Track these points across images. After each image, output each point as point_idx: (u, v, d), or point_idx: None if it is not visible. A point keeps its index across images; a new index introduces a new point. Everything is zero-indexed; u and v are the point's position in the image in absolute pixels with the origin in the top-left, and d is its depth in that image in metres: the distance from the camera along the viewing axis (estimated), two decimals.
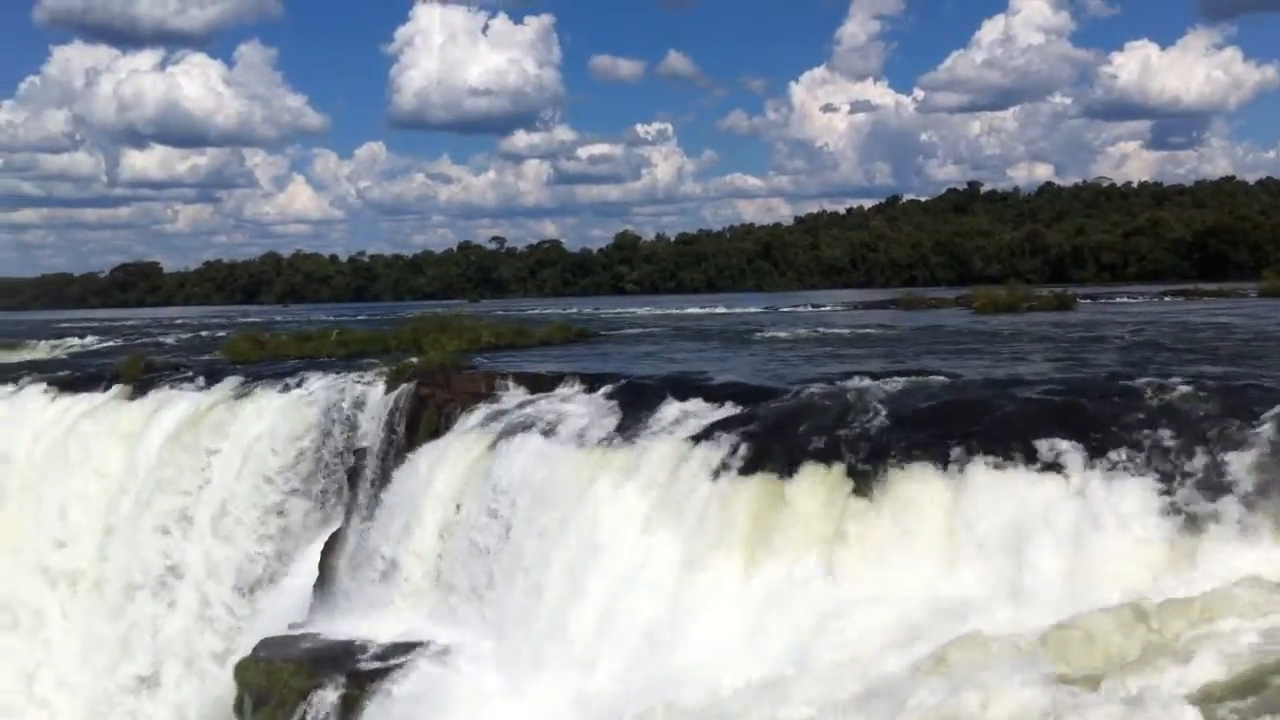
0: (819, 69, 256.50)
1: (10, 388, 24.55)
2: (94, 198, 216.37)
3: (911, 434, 12.36)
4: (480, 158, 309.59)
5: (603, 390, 16.66)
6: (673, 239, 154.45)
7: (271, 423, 19.55)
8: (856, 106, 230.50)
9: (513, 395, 17.43)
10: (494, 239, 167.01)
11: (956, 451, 11.63)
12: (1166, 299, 51.24)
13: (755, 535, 12.26)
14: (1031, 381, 14.67)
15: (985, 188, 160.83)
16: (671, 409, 15.12)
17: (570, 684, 12.17)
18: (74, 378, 25.05)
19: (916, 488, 11.52)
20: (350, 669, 14.47)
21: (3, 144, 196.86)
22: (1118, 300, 49.98)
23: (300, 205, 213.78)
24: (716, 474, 12.99)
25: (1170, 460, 10.57)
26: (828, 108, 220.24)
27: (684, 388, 15.93)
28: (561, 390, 17.20)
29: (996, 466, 11.29)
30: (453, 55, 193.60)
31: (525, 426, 15.72)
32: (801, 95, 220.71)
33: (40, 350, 44.39)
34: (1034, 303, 42.08)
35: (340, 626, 15.78)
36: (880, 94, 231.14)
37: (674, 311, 59.87)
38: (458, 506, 15.38)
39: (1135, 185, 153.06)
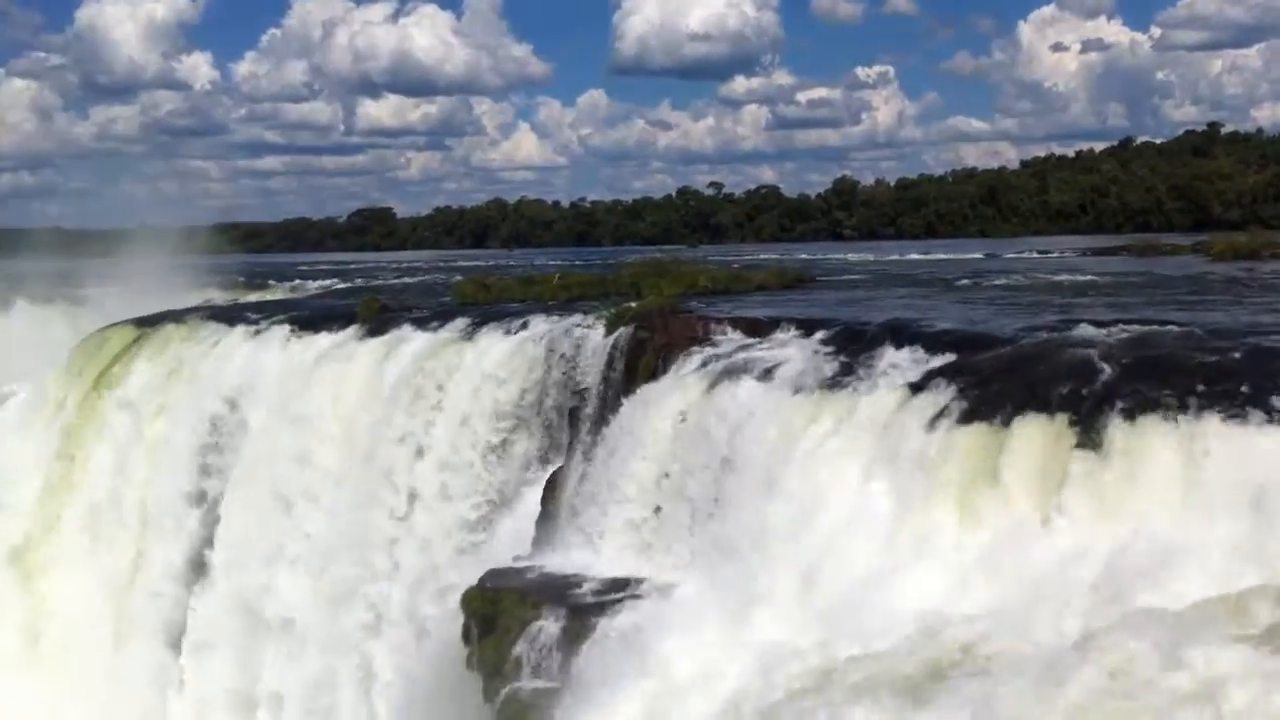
0: (1048, 7, 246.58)
1: (256, 327, 25.94)
2: (331, 145, 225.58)
3: (1141, 384, 11.92)
4: (699, 104, 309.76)
5: (819, 336, 16.60)
6: (892, 184, 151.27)
7: (497, 363, 20.20)
8: (1088, 45, 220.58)
9: (729, 340, 17.52)
10: (712, 185, 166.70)
11: (1190, 403, 11.19)
12: None
13: (973, 485, 12.09)
14: (1273, 332, 13.97)
15: (1226, 129, 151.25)
16: (889, 355, 14.97)
17: (782, 627, 12.27)
18: (313, 318, 26.30)
19: (1145, 440, 11.13)
20: (571, 602, 14.96)
21: (247, 94, 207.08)
22: None
23: (525, 152, 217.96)
24: (934, 422, 12.84)
25: None
26: (1057, 47, 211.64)
27: (902, 334, 15.72)
28: (778, 335, 17.20)
29: (1234, 420, 10.82)
30: (673, 1, 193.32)
31: (741, 371, 15.83)
32: (1030, 34, 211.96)
33: (282, 291, 46.83)
34: (1278, 250, 39.70)
35: (561, 560, 16.29)
36: (1114, 32, 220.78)
37: (893, 258, 58.86)
38: (674, 449, 15.62)
39: None
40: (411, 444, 20.50)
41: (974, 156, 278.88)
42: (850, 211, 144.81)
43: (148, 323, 28.91)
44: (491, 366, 20.20)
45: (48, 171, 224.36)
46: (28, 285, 46.38)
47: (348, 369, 22.79)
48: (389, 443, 20.82)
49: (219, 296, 41.39)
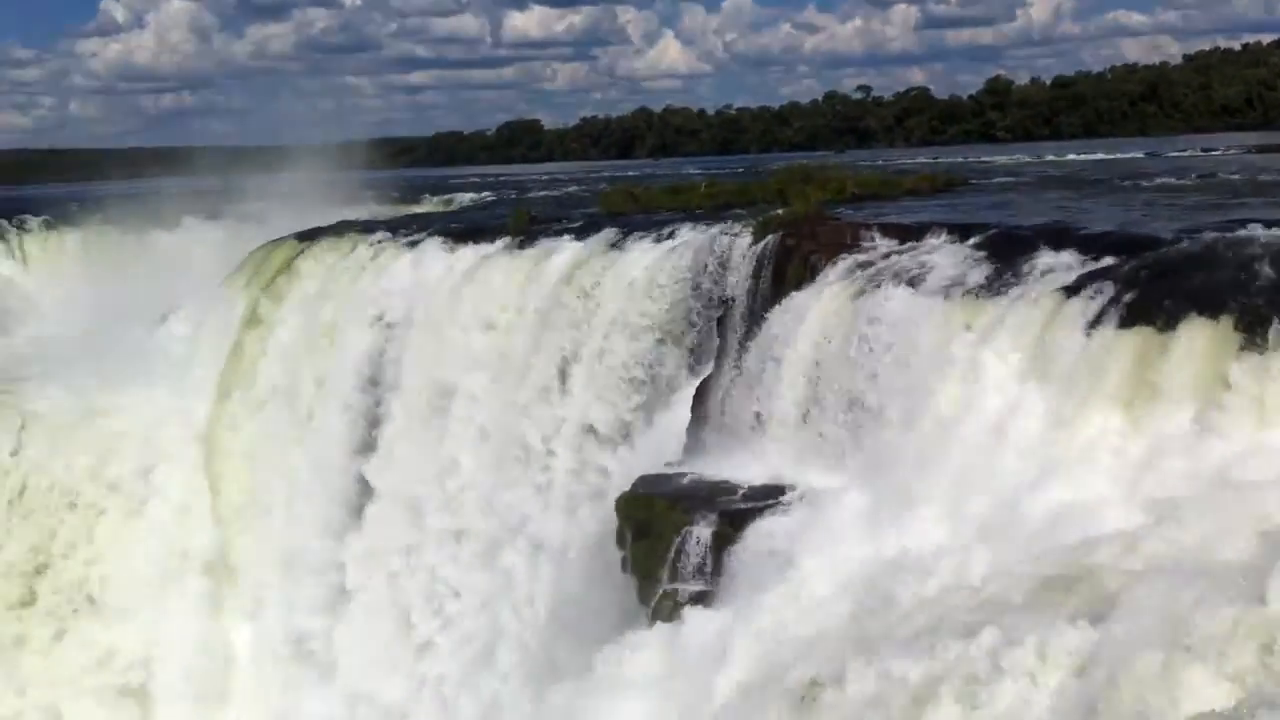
0: None
1: (411, 239, 26.52)
2: (479, 59, 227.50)
3: None
4: (846, 5, 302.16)
5: (971, 240, 16.31)
6: (1048, 83, 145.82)
7: (645, 273, 20.35)
8: None
9: (878, 245, 17.32)
10: (860, 88, 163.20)
11: None
12: None
13: (1131, 390, 11.87)
14: None
15: None
16: (1044, 259, 14.65)
17: (935, 534, 12.28)
18: (466, 230, 26.78)
19: None
20: (722, 507, 15.17)
21: (396, 8, 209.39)
22: None
23: (669, 60, 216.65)
24: (1092, 326, 12.58)
25: None
26: None
27: (1058, 237, 15.36)
28: (929, 240, 16.94)
29: None
30: None
31: (891, 277, 15.67)
32: None
33: (435, 205, 47.70)
34: None
35: (712, 467, 16.49)
36: None
37: (1049, 159, 57.10)
38: (823, 355, 15.61)
39: None
40: (562, 354, 20.87)
41: (1134, 52, 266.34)
42: (1004, 112, 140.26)
43: (308, 237, 29.77)
44: (639, 276, 20.35)
45: (208, 91, 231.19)
46: (193, 203, 48.05)
47: (499, 280, 23.19)
48: (539, 353, 21.21)
49: (375, 211, 42.34)
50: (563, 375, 20.88)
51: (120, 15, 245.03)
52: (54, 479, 27.48)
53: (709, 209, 25.11)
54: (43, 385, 30.24)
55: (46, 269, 44.60)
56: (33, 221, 47.05)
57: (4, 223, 46.67)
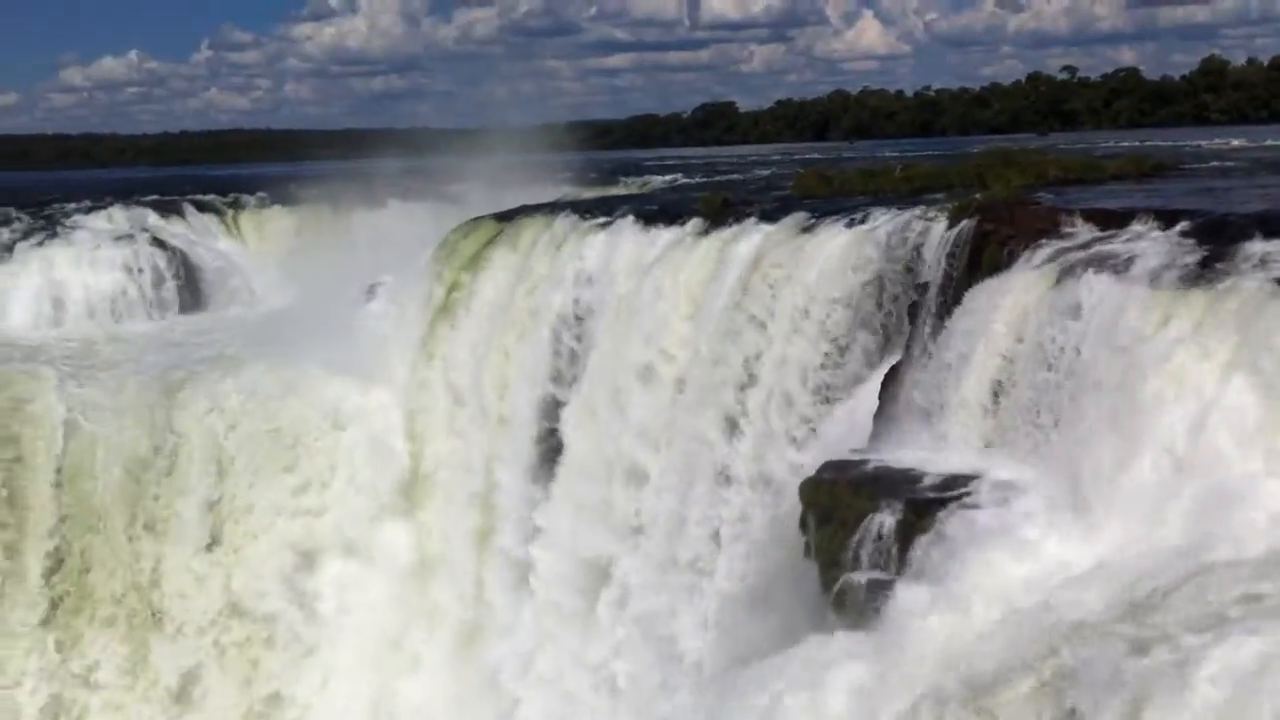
0: None
1: (605, 221, 26.87)
2: (676, 41, 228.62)
3: None
4: None
5: (1179, 227, 15.62)
6: (1265, 63, 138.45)
7: (836, 256, 20.15)
8: None
9: (1080, 232, 16.76)
10: (1065, 69, 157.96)
11: None
12: None
13: None
14: None
15: None
16: (1257, 247, 13.96)
17: (1132, 532, 11.90)
18: (659, 212, 26.98)
19: None
20: (907, 496, 14.94)
21: None
22: None
23: (868, 41, 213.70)
24: None
25: None
26: None
27: (1273, 224, 14.62)
28: (1134, 227, 16.30)
29: None
30: None
31: (1093, 264, 15.14)
32: None
33: (630, 186, 48.21)
34: None
35: (898, 455, 16.24)
36: None
37: (1268, 143, 54.31)
38: (1018, 343, 15.21)
39: None
40: (751, 335, 20.84)
41: None
42: (1218, 94, 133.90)
43: (506, 217, 30.45)
44: (830, 259, 20.16)
45: (415, 74, 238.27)
46: (398, 183, 49.70)
47: (690, 262, 23.31)
48: (728, 334, 21.25)
49: (572, 192, 43.05)
50: (750, 359, 20.86)
51: (334, 0, 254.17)
52: (261, 447, 28.95)
53: (904, 192, 24.70)
54: (253, 358, 31.83)
55: (260, 245, 46.80)
56: (248, 200, 49.39)
57: (222, 200, 49.12)
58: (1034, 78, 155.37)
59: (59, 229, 43.43)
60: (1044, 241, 16.68)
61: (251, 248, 46.63)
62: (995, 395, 15.34)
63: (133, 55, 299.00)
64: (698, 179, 49.25)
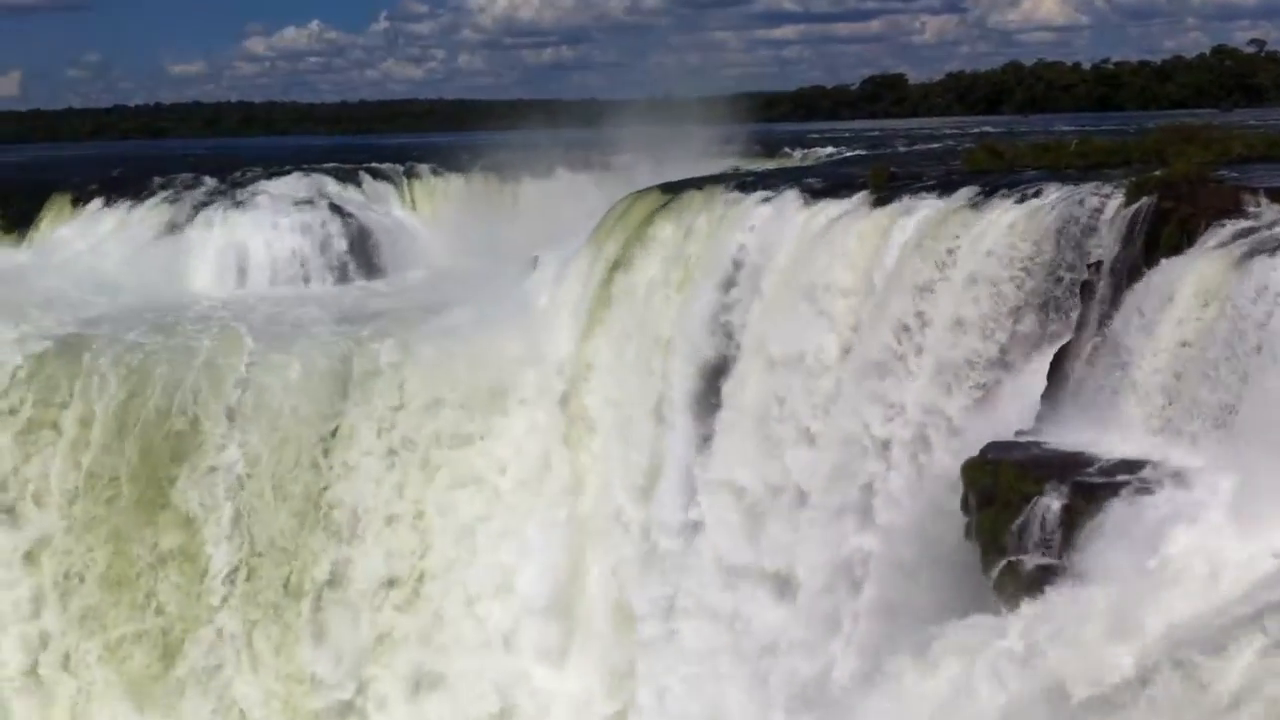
0: None
1: (770, 193, 26.78)
2: (845, 12, 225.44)
3: None
4: None
5: None
6: None
7: (1006, 232, 19.75)
8: None
9: (1265, 212, 16.11)
10: (1252, 41, 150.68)
11: None
12: None
13: None
14: None
15: None
16: None
17: None
18: (825, 185, 26.76)
19: None
20: (1074, 480, 14.63)
21: None
22: None
23: (1044, 12, 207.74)
24: None
25: None
26: None
27: None
28: None
29: None
30: None
31: (1278, 246, 14.58)
32: None
33: (795, 159, 47.92)
34: None
35: (1066, 437, 15.91)
36: None
37: None
38: (1197, 327, 14.72)
39: None
40: (916, 313, 20.57)
41: None
42: None
43: (671, 189, 30.59)
44: (1000, 235, 19.76)
45: (584, 46, 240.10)
46: (566, 154, 50.30)
47: (855, 236, 23.10)
48: (893, 311, 21.00)
49: (737, 164, 42.98)
50: (914, 334, 20.60)
51: None
52: (429, 409, 29.84)
53: (1079, 168, 24.00)
54: (422, 322, 32.76)
55: (431, 213, 47.96)
56: (421, 168, 50.59)
57: (397, 168, 50.45)
58: (1219, 50, 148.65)
59: (243, 194, 45.19)
60: (1226, 221, 16.11)
61: (423, 215, 47.82)
62: (1170, 378, 14.87)
63: (314, 25, 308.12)
64: (865, 152, 48.67)
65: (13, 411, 30.20)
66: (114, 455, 29.60)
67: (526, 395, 29.92)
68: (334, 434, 29.59)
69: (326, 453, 29.43)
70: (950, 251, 20.45)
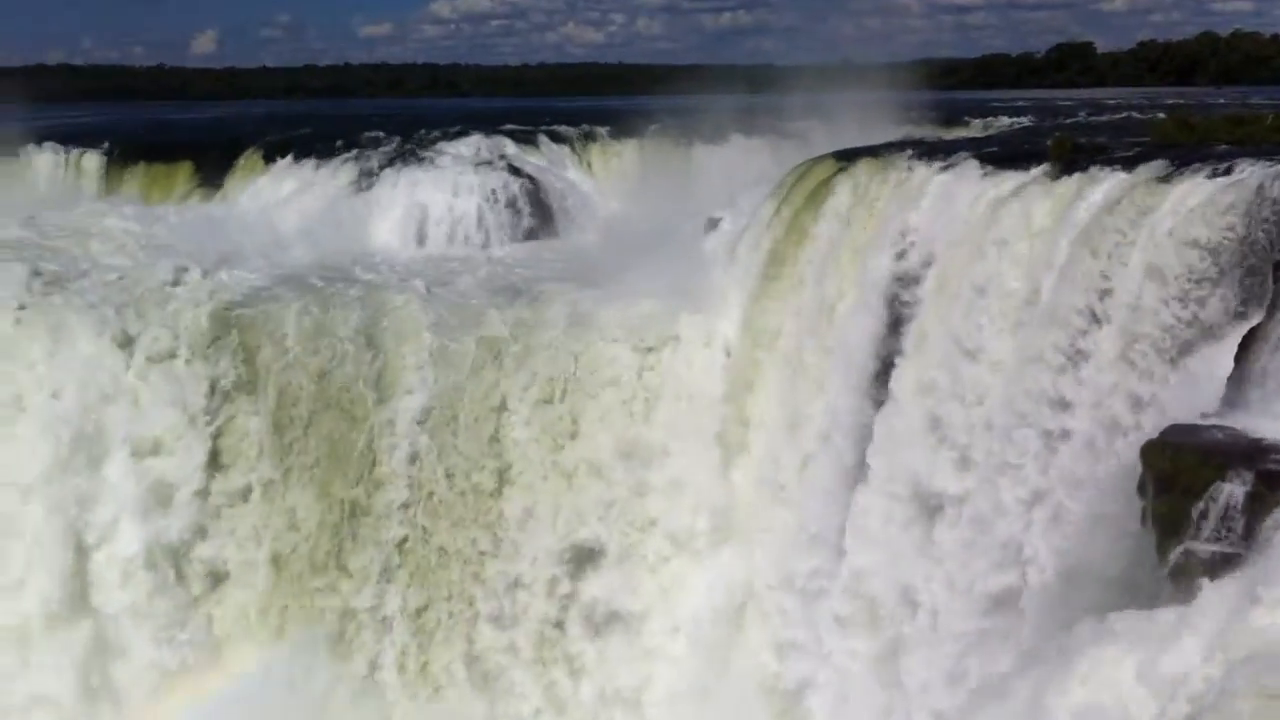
0: None
1: (948, 162, 26.34)
2: None
3: None
4: None
5: None
6: None
7: (1195, 209, 19.06)
8: None
9: None
10: None
11: None
12: None
13: None
14: None
15: None
16: None
17: None
18: (1004, 155, 26.21)
19: None
20: (1260, 467, 14.20)
21: None
22: None
23: None
24: None
25: None
26: None
27: None
28: None
29: None
30: None
31: None
32: None
33: (974, 128, 46.93)
34: None
35: (1252, 423, 15.45)
36: None
37: None
38: None
39: None
40: (1095, 290, 20.04)
41: None
42: None
43: (846, 156, 30.33)
44: (1188, 212, 19.08)
45: (762, 10, 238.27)
46: (741, 120, 50.24)
47: (1034, 208, 22.58)
48: (1072, 286, 20.50)
49: (915, 132, 42.34)
50: (1094, 312, 20.07)
51: None
52: (599, 370, 30.38)
53: (1276, 143, 23.01)
54: (595, 285, 33.32)
55: (606, 176, 48.56)
56: (598, 131, 51.20)
57: (574, 131, 51.16)
58: None
59: (424, 155, 46.41)
60: None
61: (599, 178, 48.44)
62: None
63: None
64: (1047, 122, 47.36)
65: (206, 360, 31.76)
66: (304, 407, 30.93)
67: (694, 358, 30.27)
68: (504, 396, 30.38)
69: (499, 409, 30.28)
70: (1135, 227, 19.85)
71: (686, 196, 40.46)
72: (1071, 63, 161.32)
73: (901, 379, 24.36)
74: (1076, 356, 20.13)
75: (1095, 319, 19.90)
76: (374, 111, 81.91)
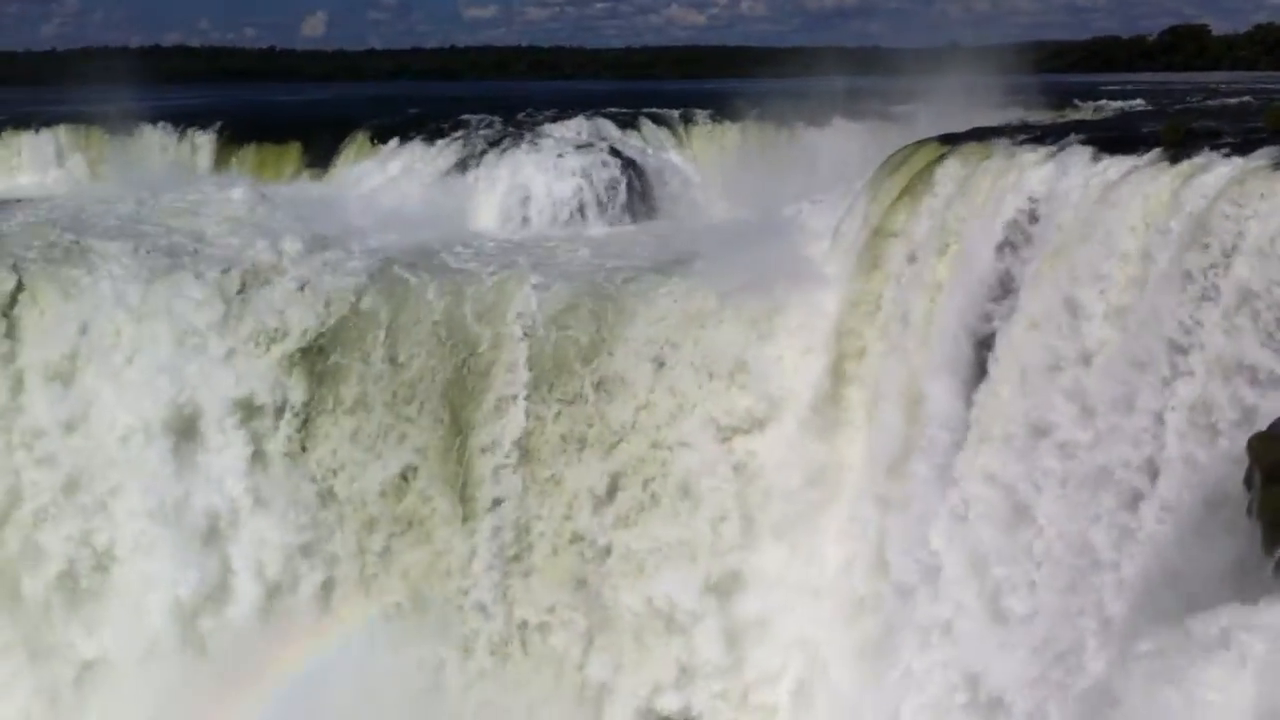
0: None
1: (1055, 147, 25.98)
2: None
3: None
4: None
5: None
6: None
7: None
8: None
9: None
10: None
11: None
12: None
13: None
14: None
15: None
16: None
17: None
18: (1114, 139, 25.78)
19: None
20: None
21: None
22: None
23: None
24: None
25: None
26: None
27: None
28: None
29: None
30: None
31: None
32: None
33: (1084, 112, 46.10)
34: None
35: None
36: None
37: None
38: None
39: None
40: (1203, 278, 19.67)
41: None
42: None
43: (950, 140, 30.04)
44: None
45: None
46: (844, 102, 49.93)
47: (1145, 194, 22.21)
48: (1181, 274, 20.15)
49: (1022, 116, 41.74)
50: (1204, 302, 19.70)
51: None
52: (695, 352, 30.49)
53: None
54: (694, 268, 33.41)
55: (707, 159, 48.59)
56: (699, 114, 51.24)
57: (675, 114, 51.27)
58: None
59: (527, 137, 46.85)
60: None
61: (700, 161, 48.48)
62: None
63: None
64: (1159, 107, 46.35)
65: (319, 335, 32.48)
66: (415, 382, 31.59)
67: (791, 343, 30.20)
68: (602, 377, 30.70)
69: (596, 387, 30.63)
70: (1249, 215, 19.43)
71: (789, 179, 40.37)
72: (1185, 45, 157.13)
73: (1003, 361, 24.18)
74: (1183, 343, 19.78)
75: (1205, 306, 19.49)
76: (478, 94, 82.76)
